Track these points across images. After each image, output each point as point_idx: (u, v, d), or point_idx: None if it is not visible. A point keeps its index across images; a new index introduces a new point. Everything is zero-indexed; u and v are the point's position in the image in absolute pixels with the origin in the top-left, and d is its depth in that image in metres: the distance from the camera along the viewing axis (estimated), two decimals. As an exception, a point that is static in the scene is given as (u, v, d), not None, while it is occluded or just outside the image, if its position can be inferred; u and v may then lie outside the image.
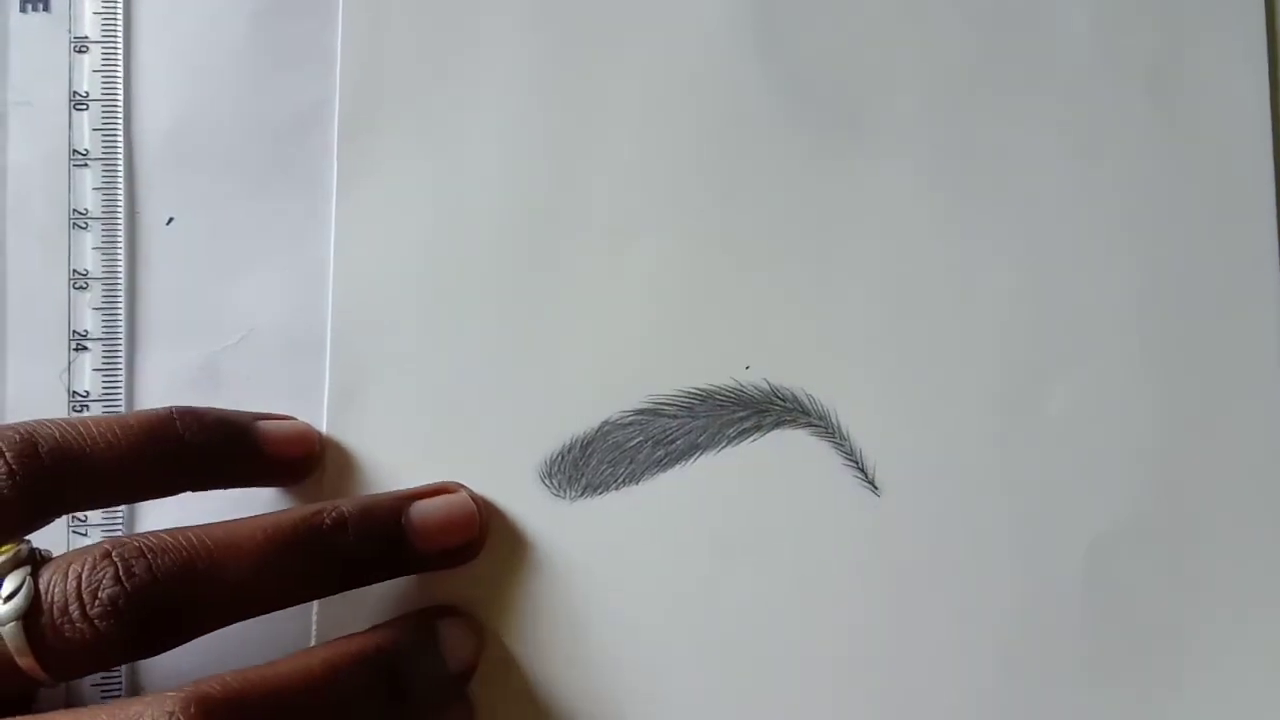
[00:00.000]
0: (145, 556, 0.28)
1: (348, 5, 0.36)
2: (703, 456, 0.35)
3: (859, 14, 0.37)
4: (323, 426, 0.34)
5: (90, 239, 0.35)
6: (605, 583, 0.34)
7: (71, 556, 0.28)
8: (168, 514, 0.34)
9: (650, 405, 0.35)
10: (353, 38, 0.36)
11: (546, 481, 0.35)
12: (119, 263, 0.35)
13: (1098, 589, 0.35)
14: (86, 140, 0.35)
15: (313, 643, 0.34)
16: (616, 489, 0.35)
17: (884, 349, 0.35)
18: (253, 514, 0.31)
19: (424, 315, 0.35)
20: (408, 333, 0.35)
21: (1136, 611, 0.35)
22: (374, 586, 0.33)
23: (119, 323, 0.35)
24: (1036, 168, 0.36)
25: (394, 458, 0.34)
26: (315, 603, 0.34)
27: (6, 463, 0.28)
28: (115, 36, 0.35)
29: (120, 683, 0.34)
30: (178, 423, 0.31)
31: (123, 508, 0.34)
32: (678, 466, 0.35)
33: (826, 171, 0.36)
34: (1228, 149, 0.37)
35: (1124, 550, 0.35)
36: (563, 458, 0.35)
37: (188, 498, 0.32)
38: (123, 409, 0.34)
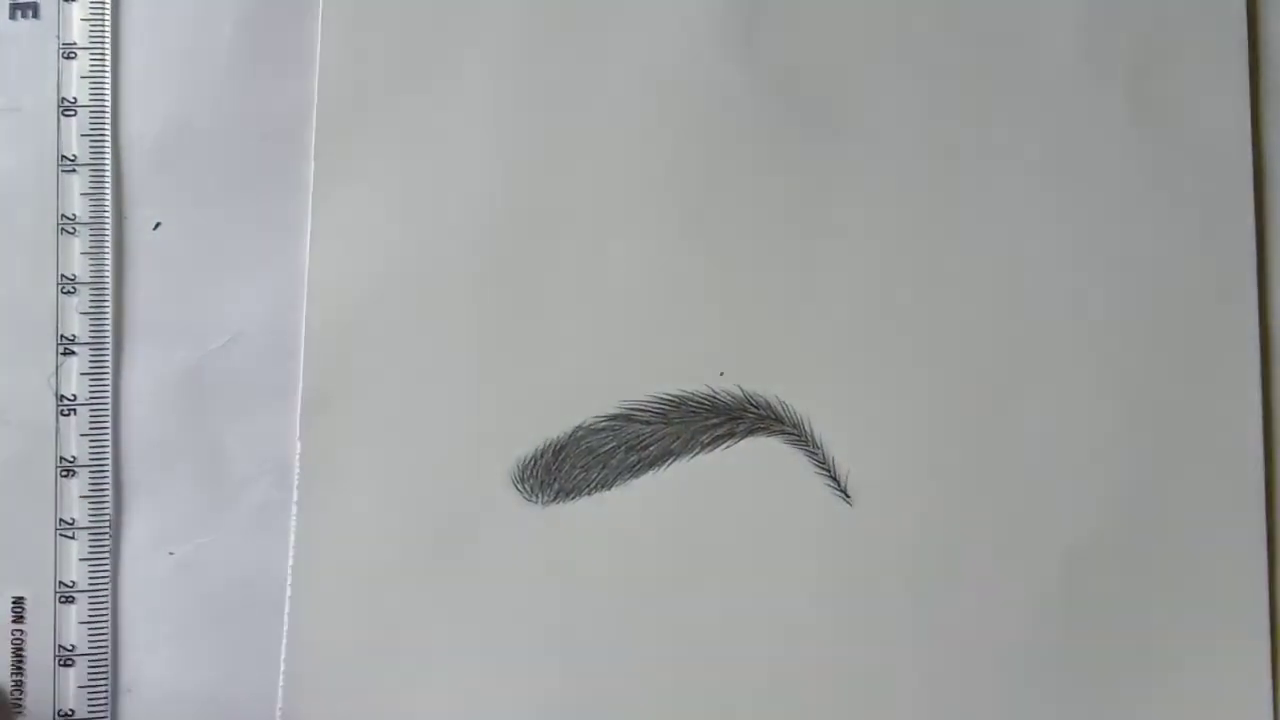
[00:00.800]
0: None
1: (327, 9, 0.36)
2: (676, 463, 0.35)
3: (841, 17, 0.36)
4: (296, 430, 0.35)
5: (78, 244, 0.35)
6: (576, 588, 0.35)
7: None
8: (155, 517, 0.35)
9: (624, 410, 0.35)
10: (332, 42, 0.36)
11: (519, 486, 0.35)
12: (106, 267, 0.35)
13: (1073, 598, 0.35)
14: (75, 146, 0.36)
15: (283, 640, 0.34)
16: (589, 494, 0.35)
17: (859, 357, 0.36)
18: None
19: (398, 319, 0.35)
20: (382, 336, 0.35)
21: (1111, 620, 0.35)
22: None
23: (106, 327, 0.35)
24: (1016, 174, 0.36)
25: (366, 461, 0.35)
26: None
27: None
28: (103, 43, 0.36)
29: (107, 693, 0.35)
30: None
31: (109, 511, 0.35)
32: (651, 472, 0.35)
33: (806, 177, 0.36)
34: (1207, 157, 0.36)
35: (1099, 559, 0.35)
36: (535, 462, 0.35)
37: (164, 498, 0.33)
38: (109, 412, 0.35)
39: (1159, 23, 0.37)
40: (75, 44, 0.36)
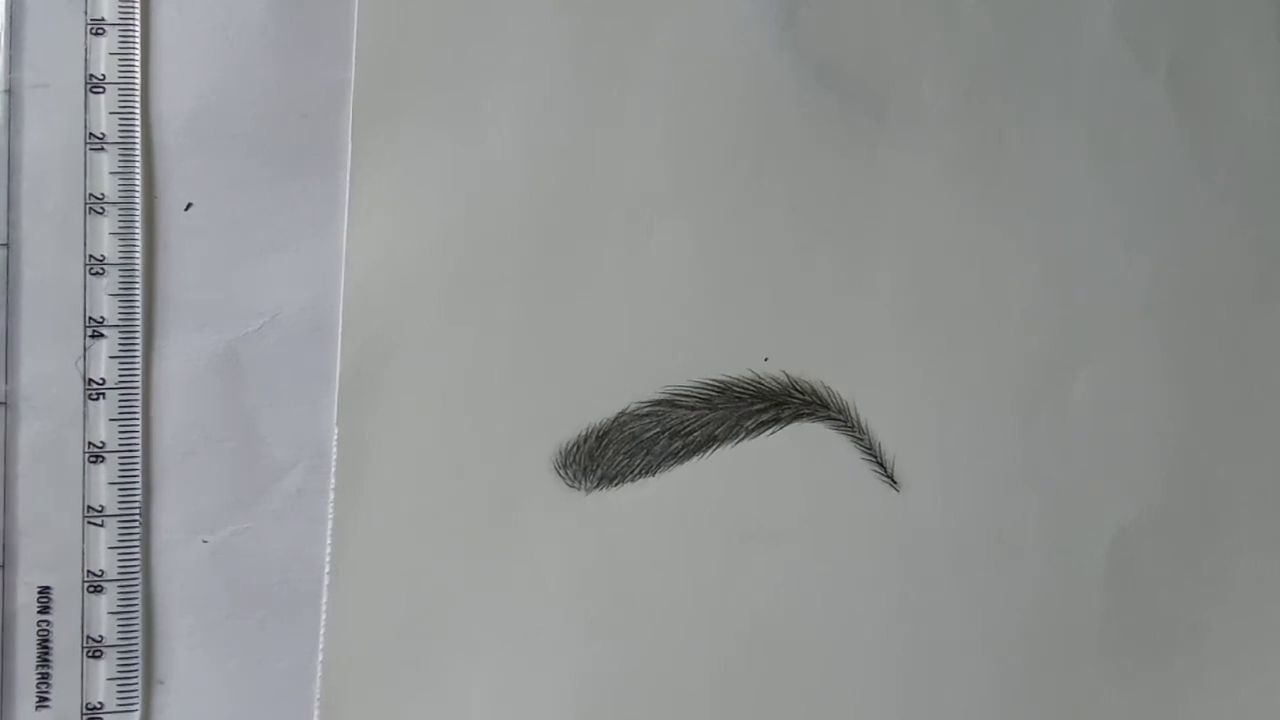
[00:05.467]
0: None
1: (366, -12, 0.35)
2: (720, 449, 0.35)
3: (886, 5, 0.36)
4: (333, 415, 0.34)
5: (107, 224, 0.34)
6: (620, 575, 0.34)
7: None
8: (188, 504, 0.34)
9: (668, 396, 0.35)
10: (369, 18, 0.35)
11: (561, 472, 0.35)
12: (136, 248, 0.34)
13: (1120, 584, 0.35)
14: (103, 124, 0.35)
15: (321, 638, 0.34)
16: (632, 480, 0.35)
17: (905, 341, 0.35)
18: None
19: (438, 303, 0.35)
20: (421, 320, 0.35)
21: (1158, 606, 0.35)
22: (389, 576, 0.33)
23: (136, 309, 0.34)
24: (1059, 161, 0.36)
25: (406, 446, 0.34)
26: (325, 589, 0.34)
27: None
28: (132, 18, 0.35)
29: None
30: None
31: (139, 498, 0.34)
32: (695, 459, 0.35)
33: (850, 163, 0.36)
34: (1247, 142, 0.36)
35: (1146, 545, 0.35)
36: (578, 448, 0.35)
37: (197, 484, 0.33)
38: (139, 397, 0.34)
39: (1198, 11, 0.37)
40: (104, 19, 0.35)
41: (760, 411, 0.35)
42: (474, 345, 0.35)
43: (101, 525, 0.34)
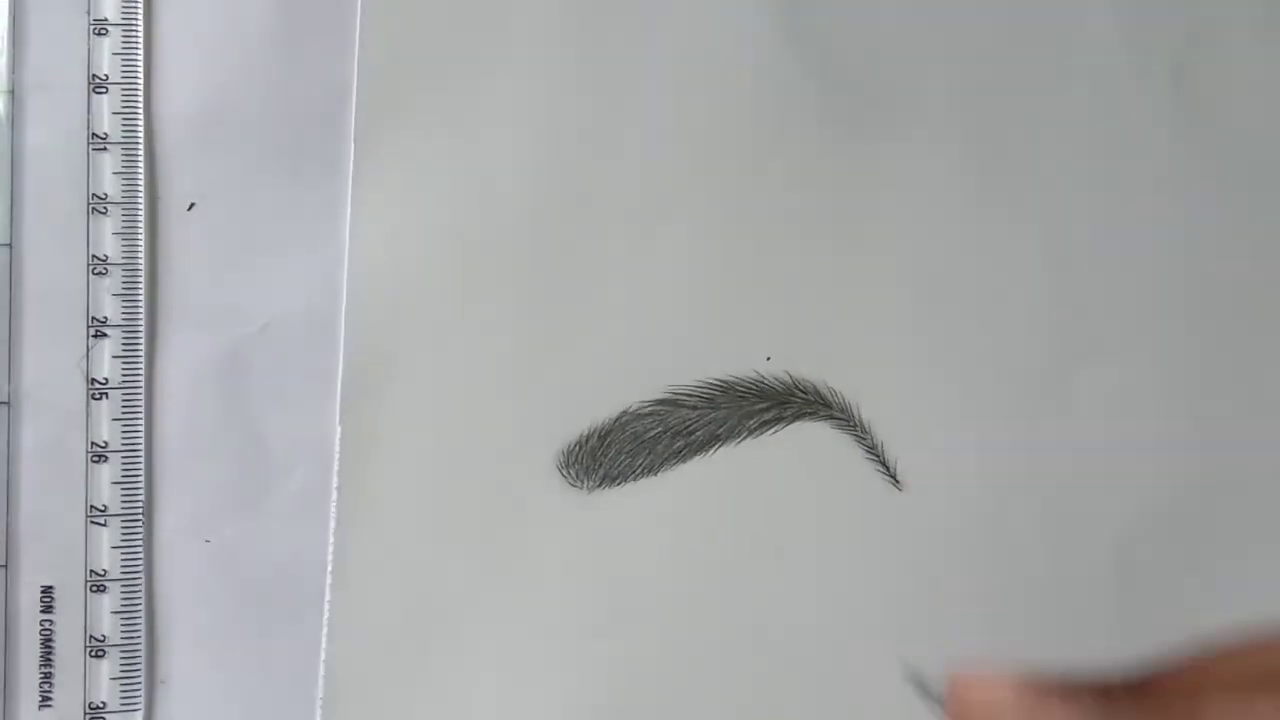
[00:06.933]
0: None
1: (368, -12, 0.35)
2: (722, 448, 0.35)
3: (886, 5, 0.36)
4: (336, 415, 0.34)
5: (110, 224, 0.34)
6: (622, 575, 0.34)
7: None
8: (190, 504, 0.34)
9: (670, 396, 0.35)
10: (372, 19, 0.35)
11: (564, 471, 0.35)
12: (139, 248, 0.34)
13: (1124, 584, 0.35)
14: (106, 124, 0.35)
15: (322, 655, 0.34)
16: (635, 480, 0.35)
17: (908, 341, 0.35)
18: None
19: (440, 303, 0.35)
20: (425, 320, 0.35)
21: (1163, 606, 0.35)
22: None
23: (139, 309, 0.34)
24: (1063, 159, 0.36)
25: (408, 446, 0.34)
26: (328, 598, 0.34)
27: None
28: (135, 18, 0.35)
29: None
30: None
31: (142, 497, 0.34)
32: (697, 458, 0.35)
33: (852, 162, 0.36)
34: (1253, 140, 0.37)
35: (1150, 545, 0.35)
36: (580, 447, 0.35)
37: (200, 484, 0.33)
38: (142, 397, 0.34)
39: (1198, 11, 0.37)
40: (106, 20, 0.35)
41: (763, 411, 0.35)
42: (476, 345, 0.35)
43: (104, 525, 0.34)
